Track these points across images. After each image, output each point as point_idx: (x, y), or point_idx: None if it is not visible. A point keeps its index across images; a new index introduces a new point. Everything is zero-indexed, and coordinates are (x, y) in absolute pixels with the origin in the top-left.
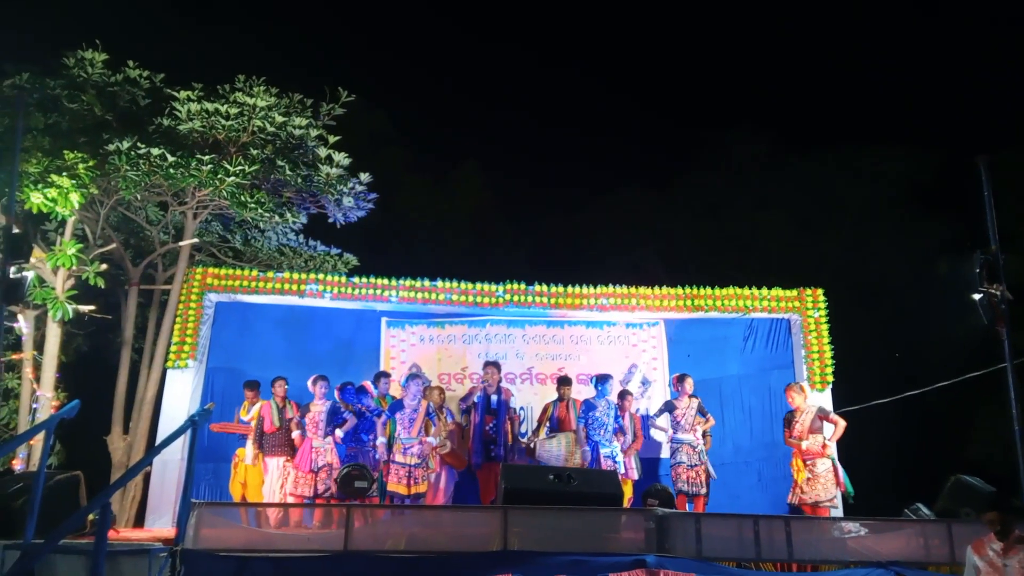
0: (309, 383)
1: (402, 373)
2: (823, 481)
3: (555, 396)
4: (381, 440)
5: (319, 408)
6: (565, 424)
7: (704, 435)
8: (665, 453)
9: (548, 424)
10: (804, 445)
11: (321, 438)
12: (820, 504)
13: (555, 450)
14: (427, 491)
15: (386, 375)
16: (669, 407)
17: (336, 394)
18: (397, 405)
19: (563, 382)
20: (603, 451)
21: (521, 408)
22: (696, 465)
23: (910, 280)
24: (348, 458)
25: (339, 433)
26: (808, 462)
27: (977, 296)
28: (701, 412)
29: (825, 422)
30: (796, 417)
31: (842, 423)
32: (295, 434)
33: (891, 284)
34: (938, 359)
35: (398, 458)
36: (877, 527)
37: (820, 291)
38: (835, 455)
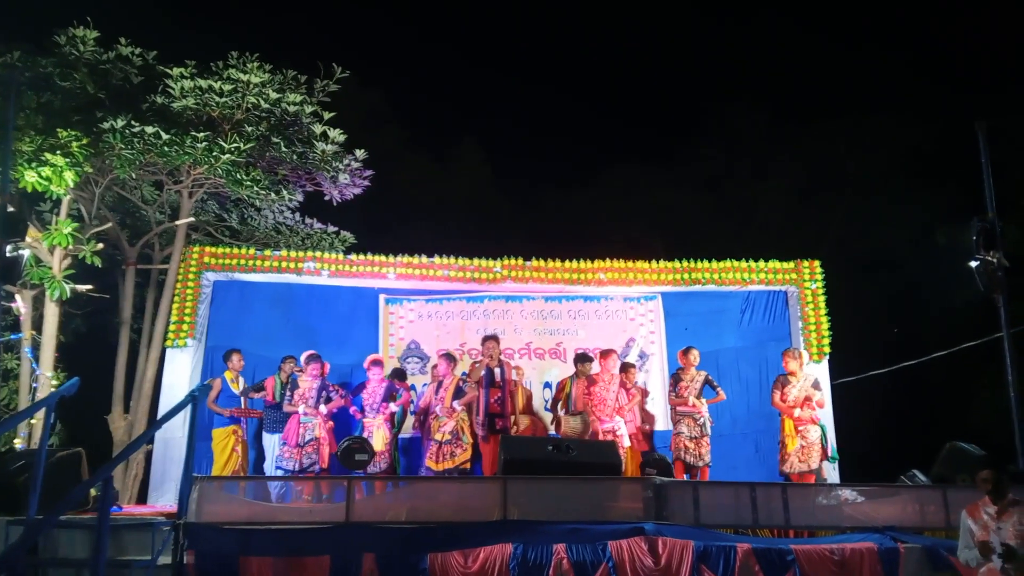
0: (302, 359)
1: (401, 350)
2: (814, 450)
3: (571, 372)
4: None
5: (308, 384)
6: (580, 402)
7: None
8: (661, 425)
9: (565, 401)
10: (797, 413)
11: (311, 411)
12: (806, 473)
13: (578, 427)
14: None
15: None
16: (676, 379)
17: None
18: (438, 385)
19: (581, 359)
20: (603, 426)
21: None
22: (697, 437)
23: (909, 250)
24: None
25: (323, 409)
26: (800, 429)
27: (974, 264)
28: (710, 386)
29: (816, 391)
30: (791, 382)
31: (822, 396)
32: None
33: (891, 254)
34: (937, 329)
35: (441, 437)
36: (873, 493)
37: (817, 263)
38: (825, 424)
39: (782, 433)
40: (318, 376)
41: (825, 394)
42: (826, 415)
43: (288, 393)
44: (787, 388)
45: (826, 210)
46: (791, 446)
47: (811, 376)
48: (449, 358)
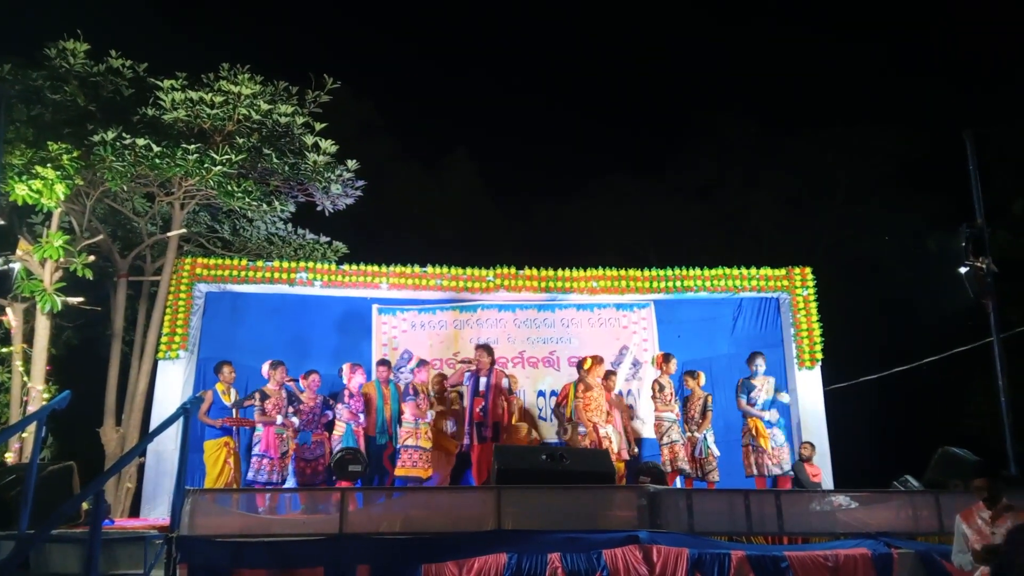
0: (266, 367)
1: (394, 360)
2: (784, 451)
3: (568, 379)
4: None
5: (280, 393)
6: (577, 408)
7: (705, 412)
8: (649, 432)
9: (570, 408)
10: (767, 417)
11: (283, 422)
12: (782, 475)
13: (583, 435)
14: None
15: (385, 363)
16: (659, 387)
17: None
18: (414, 391)
19: (581, 366)
20: (600, 432)
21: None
22: (686, 444)
23: (900, 257)
24: (314, 443)
25: (295, 420)
26: (769, 430)
27: (963, 270)
28: (704, 407)
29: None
30: (757, 386)
31: None
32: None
33: (882, 261)
34: (929, 335)
35: (413, 442)
36: (866, 499)
37: (808, 270)
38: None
39: (760, 435)
40: (282, 383)
41: (817, 401)
42: (819, 421)
43: (259, 404)
44: (754, 393)
45: (817, 217)
46: (767, 445)
47: (771, 380)
48: (426, 365)
